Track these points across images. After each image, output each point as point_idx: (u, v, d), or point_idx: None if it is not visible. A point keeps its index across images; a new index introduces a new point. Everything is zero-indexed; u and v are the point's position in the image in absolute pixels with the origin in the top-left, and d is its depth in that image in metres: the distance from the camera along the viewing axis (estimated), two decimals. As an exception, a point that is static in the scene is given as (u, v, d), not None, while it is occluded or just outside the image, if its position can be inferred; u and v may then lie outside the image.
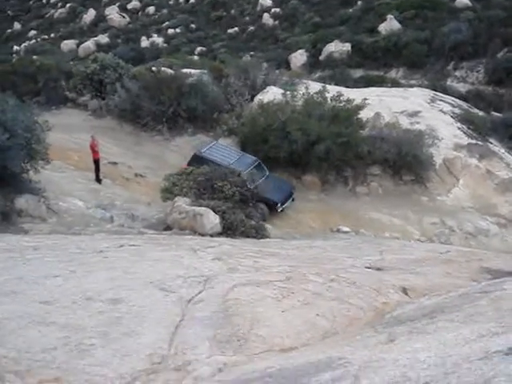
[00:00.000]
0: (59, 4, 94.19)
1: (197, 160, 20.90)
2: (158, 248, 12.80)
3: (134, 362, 6.93)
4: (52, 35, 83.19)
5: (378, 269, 12.15)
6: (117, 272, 9.91)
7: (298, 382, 4.96)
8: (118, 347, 7.23)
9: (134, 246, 12.68)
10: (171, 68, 30.42)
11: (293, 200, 21.17)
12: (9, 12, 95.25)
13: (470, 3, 58.08)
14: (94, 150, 21.49)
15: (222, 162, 20.29)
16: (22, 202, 16.72)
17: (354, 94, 25.47)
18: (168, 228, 17.30)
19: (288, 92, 25.25)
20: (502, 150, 26.01)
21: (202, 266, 10.70)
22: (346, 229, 20.68)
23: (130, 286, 9.24)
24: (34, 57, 37.32)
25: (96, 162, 21.57)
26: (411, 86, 37.75)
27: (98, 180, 21.54)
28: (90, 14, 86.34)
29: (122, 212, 19.01)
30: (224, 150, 21.55)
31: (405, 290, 9.97)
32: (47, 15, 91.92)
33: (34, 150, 17.34)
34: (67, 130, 25.45)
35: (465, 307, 6.52)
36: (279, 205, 20.20)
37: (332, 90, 25.44)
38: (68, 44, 75.77)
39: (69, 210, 18.11)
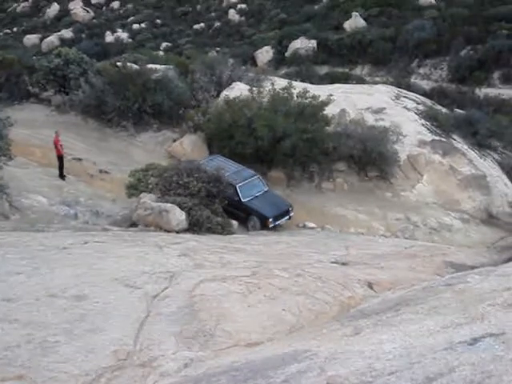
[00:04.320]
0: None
1: None
2: (123, 244, 12.70)
3: (98, 358, 6.87)
4: (15, 29, 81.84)
5: (344, 264, 12.26)
6: (81, 269, 9.80)
7: (264, 375, 4.96)
8: (82, 344, 7.17)
9: (98, 242, 12.56)
10: (136, 63, 30.13)
11: (289, 218, 20.64)
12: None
13: (433, 1, 58.88)
14: (57, 146, 21.20)
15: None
16: (-16, 198, 16.43)
17: (320, 91, 25.58)
18: (133, 225, 17.16)
19: (254, 88, 25.22)
20: (465, 147, 26.36)
21: (168, 262, 10.66)
22: (311, 224, 20.76)
23: (95, 282, 9.15)
24: (-4, 51, 36.61)
25: (60, 158, 21.29)
26: (376, 82, 38.08)
27: (62, 176, 21.25)
28: (53, 9, 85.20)
29: (87, 209, 18.80)
30: (222, 163, 21.12)
31: (370, 285, 10.07)
32: (10, 9, 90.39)
33: (-4, 145, 17.07)
34: (30, 126, 25.07)
35: (429, 300, 6.59)
36: (271, 220, 19.78)
37: (298, 86, 25.50)
38: (31, 38, 74.67)
39: (32, 206, 17.84)
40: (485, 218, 22.75)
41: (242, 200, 19.93)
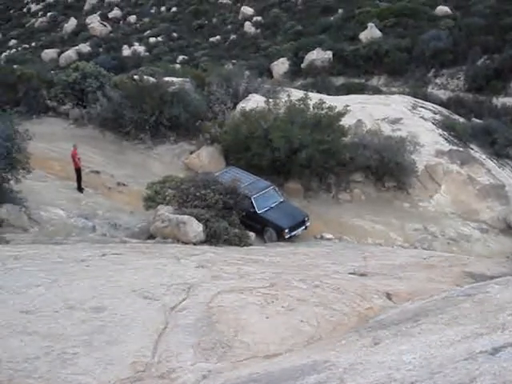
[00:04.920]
0: (40, 13, 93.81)
1: None
2: (140, 256, 12.74)
3: (117, 370, 6.88)
4: (33, 44, 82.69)
5: (362, 274, 12.19)
6: (99, 280, 9.84)
7: (282, 386, 4.95)
8: (101, 356, 7.18)
9: (116, 254, 12.61)
10: (153, 76, 30.30)
11: (305, 228, 20.60)
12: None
13: (449, 11, 58.67)
14: (75, 159, 21.35)
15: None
16: (3, 211, 16.55)
17: (336, 102, 25.55)
18: (151, 237, 17.22)
19: (271, 99, 25.27)
20: (483, 156, 26.19)
21: (186, 274, 10.67)
22: (329, 235, 20.68)
23: (113, 294, 9.18)
24: (15, 66, 37.00)
25: (77, 171, 21.44)
26: (392, 93, 37.96)
27: (80, 189, 21.40)
28: (71, 23, 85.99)
29: (105, 221, 18.90)
30: (238, 175, 21.08)
31: (388, 295, 10.00)
32: (28, 24, 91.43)
33: (15, 159, 17.20)
34: (48, 139, 25.28)
35: (449, 310, 6.53)
36: (287, 231, 19.73)
37: (314, 97, 25.49)
38: (49, 53, 75.33)
39: (50, 219, 17.97)
40: (504, 228, 22.52)
41: (258, 211, 19.91)
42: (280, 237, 19.69)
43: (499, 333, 5.07)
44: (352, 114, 24.76)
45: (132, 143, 27.06)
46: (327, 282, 10.61)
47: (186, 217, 16.81)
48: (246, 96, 28.55)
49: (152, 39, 76.75)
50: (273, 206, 20.43)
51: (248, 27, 73.18)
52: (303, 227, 20.39)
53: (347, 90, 40.67)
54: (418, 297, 9.20)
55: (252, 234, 18.79)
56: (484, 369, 4.21)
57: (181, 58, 67.96)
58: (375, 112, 27.33)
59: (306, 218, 20.47)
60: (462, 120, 29.83)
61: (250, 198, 19.81)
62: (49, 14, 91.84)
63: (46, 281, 9.65)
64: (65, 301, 8.74)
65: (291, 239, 19.83)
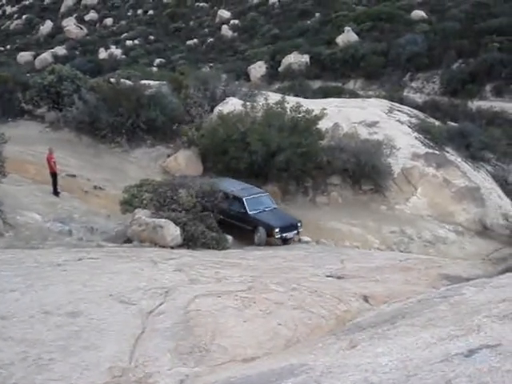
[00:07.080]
0: (15, 15, 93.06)
1: None
2: (117, 261, 12.65)
3: (93, 375, 6.83)
4: (8, 47, 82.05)
5: (339, 277, 12.24)
6: (75, 285, 9.76)
7: (260, 390, 4.95)
8: (77, 361, 7.12)
9: (93, 259, 12.51)
10: (130, 79, 30.18)
11: (297, 233, 20.43)
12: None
13: (425, 15, 59.32)
14: (50, 162, 21.13)
15: (224, 189, 20.05)
16: (-22, 216, 16.36)
17: (313, 105, 25.63)
18: (128, 241, 17.09)
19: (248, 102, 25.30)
20: (459, 159, 26.43)
21: (163, 278, 10.63)
22: (307, 239, 20.67)
23: (90, 299, 9.11)
24: (-10, 69, 36.66)
25: (53, 175, 21.23)
26: (369, 96, 38.22)
27: (56, 193, 21.18)
28: (46, 26, 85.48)
29: (81, 225, 18.71)
30: (231, 182, 21.36)
31: (365, 298, 10.05)
32: (3, 27, 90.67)
33: (-10, 162, 17.02)
34: (24, 143, 25.00)
35: (425, 312, 6.58)
36: (277, 230, 19.51)
37: (291, 100, 25.55)
38: (24, 56, 74.81)
39: (26, 223, 17.76)
40: (479, 230, 22.76)
41: (249, 212, 19.88)
42: (270, 236, 19.58)
43: (474, 335, 5.12)
44: (329, 117, 24.86)
45: (109, 147, 26.89)
46: (305, 285, 10.64)
47: (163, 220, 16.72)
48: (224, 99, 28.54)
49: (129, 42, 76.60)
50: (265, 209, 20.43)
51: (225, 30, 73.35)
52: (295, 231, 20.30)
53: (324, 93, 40.92)
54: (394, 299, 9.26)
55: (230, 238, 18.74)
56: (459, 371, 4.24)
57: (158, 61, 67.94)
58: (352, 115, 27.46)
59: (299, 224, 20.37)
60: (437, 123, 30.08)
61: (241, 199, 19.84)
62: (24, 16, 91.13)
63: (22, 286, 9.55)
64: (41, 306, 8.65)
65: (285, 243, 19.76)
